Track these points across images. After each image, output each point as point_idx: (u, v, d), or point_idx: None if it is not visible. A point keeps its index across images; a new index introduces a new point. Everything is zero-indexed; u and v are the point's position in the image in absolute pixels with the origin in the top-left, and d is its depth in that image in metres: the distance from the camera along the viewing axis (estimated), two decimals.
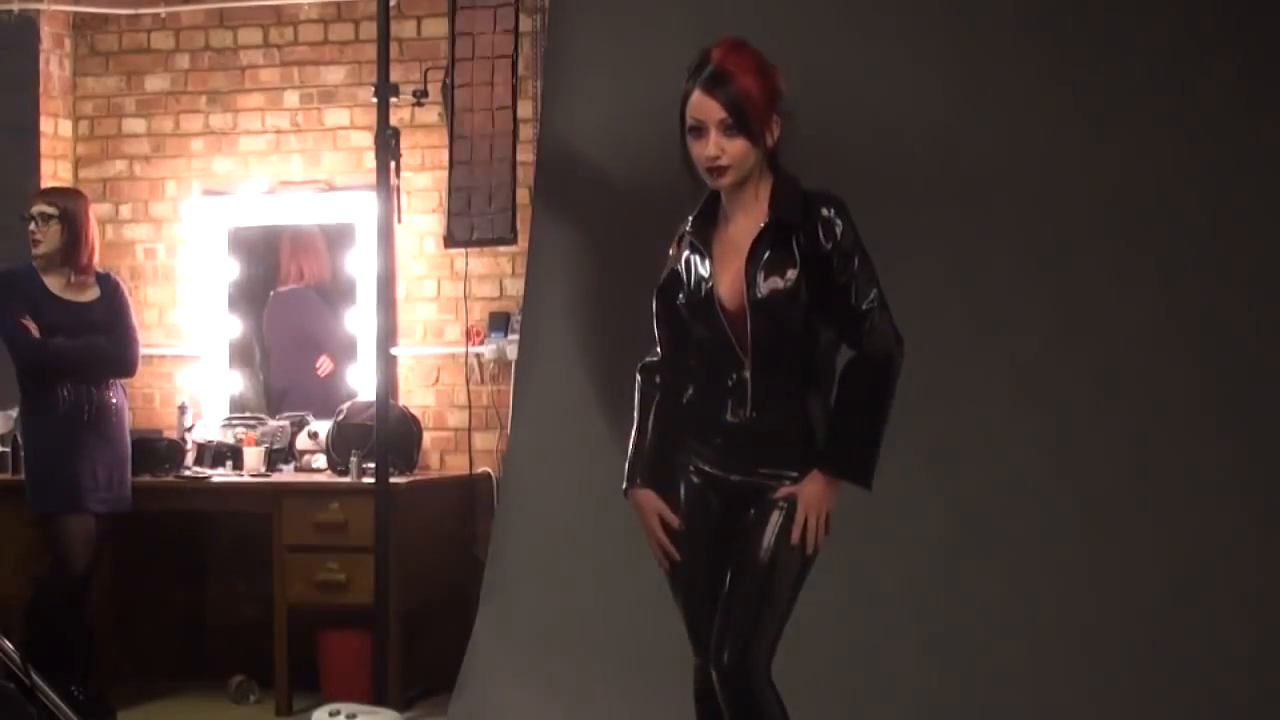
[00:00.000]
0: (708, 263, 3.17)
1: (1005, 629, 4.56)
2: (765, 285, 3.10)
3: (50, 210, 5.30)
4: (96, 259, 5.42)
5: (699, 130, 3.13)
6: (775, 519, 3.10)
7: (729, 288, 3.15)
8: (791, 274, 3.09)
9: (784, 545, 3.08)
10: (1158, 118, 4.67)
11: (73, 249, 5.30)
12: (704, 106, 3.11)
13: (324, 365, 6.22)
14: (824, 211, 3.10)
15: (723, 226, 3.21)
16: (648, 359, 3.34)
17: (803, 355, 3.13)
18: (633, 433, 3.31)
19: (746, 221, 3.17)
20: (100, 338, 5.28)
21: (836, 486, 3.10)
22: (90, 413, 5.23)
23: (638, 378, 3.34)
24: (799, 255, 3.09)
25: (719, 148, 3.09)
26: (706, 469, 3.19)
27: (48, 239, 5.29)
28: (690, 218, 3.27)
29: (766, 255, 3.11)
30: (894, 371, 3.12)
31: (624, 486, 3.29)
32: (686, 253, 3.24)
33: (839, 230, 3.07)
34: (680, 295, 3.23)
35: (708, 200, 3.24)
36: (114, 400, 5.32)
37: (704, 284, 3.17)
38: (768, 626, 3.08)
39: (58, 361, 5.20)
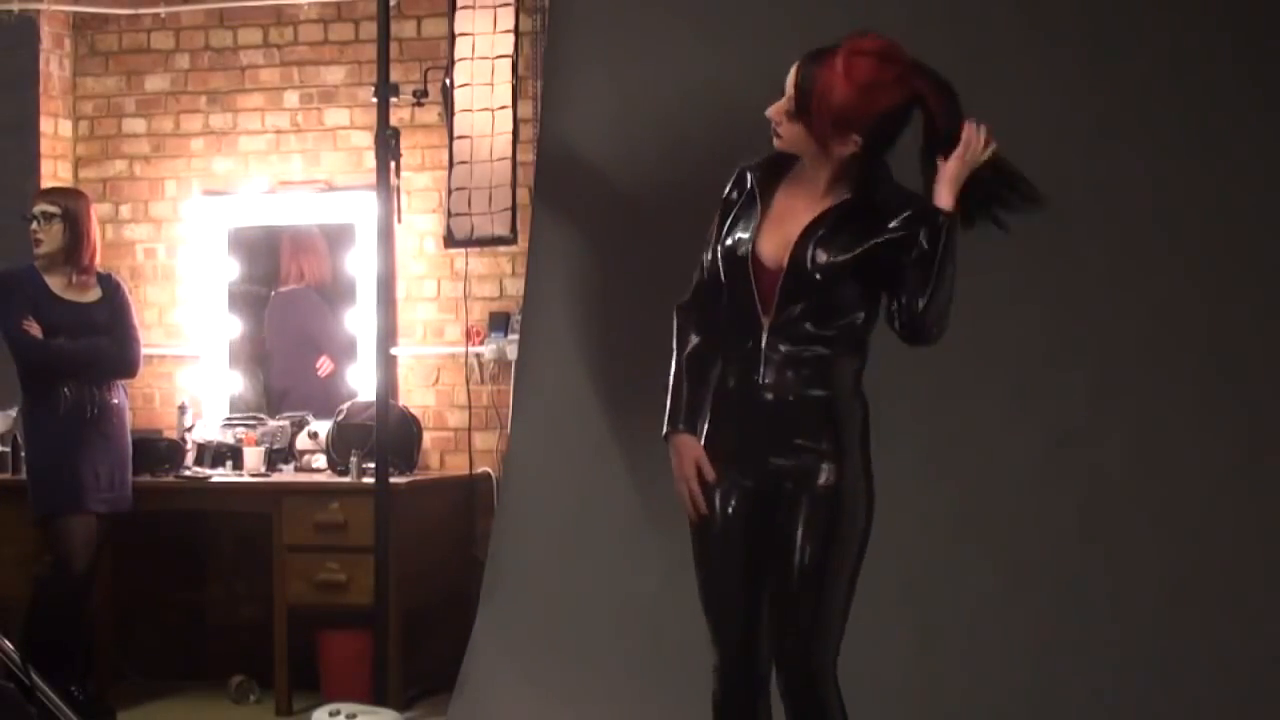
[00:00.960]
0: (758, 211, 3.13)
1: (1005, 628, 4.56)
2: (820, 252, 3.05)
3: (53, 210, 5.29)
4: (98, 259, 5.43)
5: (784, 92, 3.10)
6: (814, 509, 3.06)
7: (774, 244, 3.10)
8: (851, 253, 3.04)
9: (830, 535, 3.05)
10: (1158, 116, 4.67)
11: (75, 249, 5.30)
12: (790, 78, 3.08)
13: (324, 365, 6.22)
14: (914, 212, 3.04)
15: (793, 180, 3.15)
16: (684, 299, 3.29)
17: (832, 326, 3.08)
18: (670, 375, 3.24)
19: (814, 191, 3.12)
20: (103, 338, 5.28)
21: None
22: (92, 413, 5.23)
23: (675, 318, 3.28)
24: (867, 238, 3.05)
25: (779, 117, 3.08)
26: (734, 466, 3.15)
27: (50, 239, 5.29)
28: (758, 161, 3.20)
29: (833, 226, 3.06)
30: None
31: (664, 431, 3.21)
32: (738, 194, 3.19)
33: (929, 240, 3.01)
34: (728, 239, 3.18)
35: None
36: (115, 400, 5.32)
37: (747, 231, 3.12)
38: (829, 623, 3.07)
39: (60, 362, 5.20)
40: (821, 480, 3.07)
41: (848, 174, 3.09)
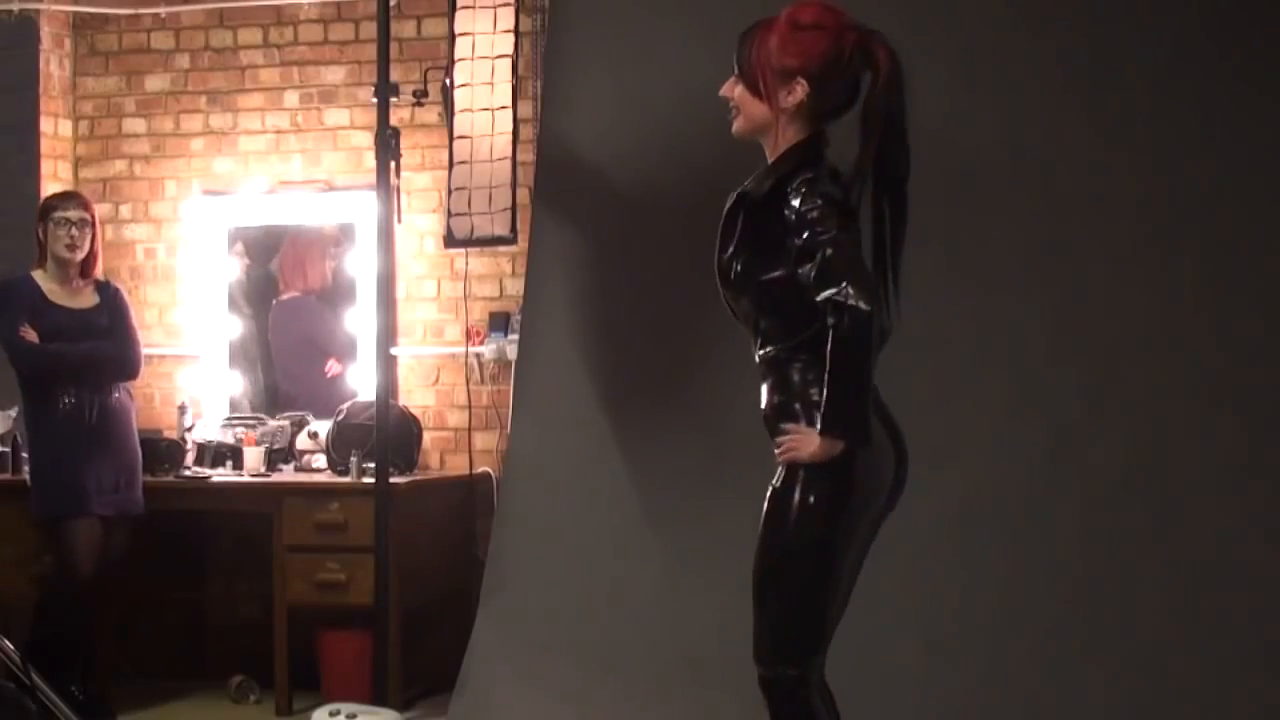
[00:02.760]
0: (726, 225, 3.10)
1: (1005, 629, 4.56)
2: (728, 257, 3.03)
3: (88, 217, 5.34)
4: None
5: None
6: (765, 513, 2.99)
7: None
8: (749, 246, 3.00)
9: (767, 540, 2.97)
10: (1157, 115, 4.67)
11: (93, 255, 5.37)
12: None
13: (331, 369, 6.21)
14: (793, 181, 2.95)
15: None
16: None
17: (778, 324, 3.00)
18: None
19: None
20: (103, 341, 5.29)
21: (825, 442, 2.88)
22: (92, 417, 5.23)
23: None
24: (762, 228, 2.98)
25: (729, 88, 3.08)
26: None
27: (85, 245, 5.32)
28: None
29: (737, 226, 3.03)
30: (846, 318, 2.83)
31: None
32: None
33: (797, 197, 2.92)
34: None
35: None
36: (117, 404, 5.33)
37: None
38: (771, 629, 2.99)
39: (59, 366, 5.21)
40: (774, 483, 2.98)
41: (792, 145, 3.03)
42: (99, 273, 5.44)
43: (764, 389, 3.06)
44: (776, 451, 2.98)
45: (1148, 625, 4.48)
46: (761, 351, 3.05)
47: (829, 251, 2.87)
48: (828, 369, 2.87)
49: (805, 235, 2.90)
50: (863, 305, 2.83)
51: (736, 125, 3.10)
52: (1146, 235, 4.66)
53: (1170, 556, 4.51)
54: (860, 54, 3.00)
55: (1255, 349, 4.57)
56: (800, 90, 3.00)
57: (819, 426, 2.90)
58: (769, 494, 2.99)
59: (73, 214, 5.30)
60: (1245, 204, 4.63)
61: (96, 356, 5.27)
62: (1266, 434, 4.54)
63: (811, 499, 2.92)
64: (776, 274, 2.97)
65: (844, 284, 2.84)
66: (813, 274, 2.89)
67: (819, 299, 2.87)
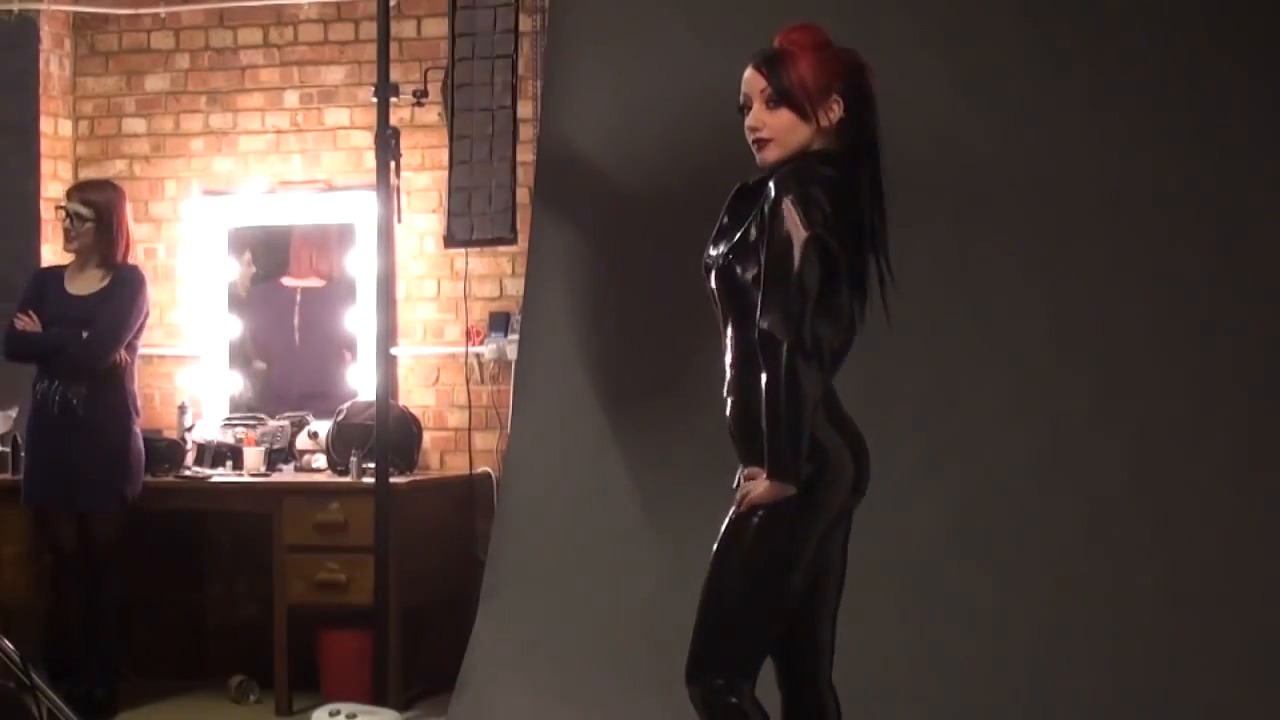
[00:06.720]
0: (723, 220, 3.09)
1: (1005, 629, 4.57)
2: (714, 251, 3.03)
3: (85, 212, 5.28)
4: (130, 254, 5.42)
5: (745, 106, 3.04)
6: (725, 525, 2.98)
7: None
8: (727, 244, 2.99)
9: (729, 551, 2.96)
10: (1158, 117, 4.68)
11: (107, 247, 5.31)
12: (749, 80, 3.03)
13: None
14: (771, 189, 2.92)
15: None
16: None
17: (745, 337, 2.95)
18: None
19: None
20: (70, 331, 5.21)
21: (774, 486, 2.88)
22: (55, 408, 5.20)
23: None
24: (746, 228, 2.97)
25: (759, 120, 3.00)
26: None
27: (82, 238, 5.30)
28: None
29: (726, 220, 3.05)
30: (775, 361, 2.83)
31: None
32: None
33: (775, 211, 2.88)
34: None
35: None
36: (91, 395, 5.21)
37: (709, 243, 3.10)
38: (715, 637, 2.99)
39: (22, 351, 5.25)
40: (734, 507, 2.97)
41: (810, 151, 3.00)
42: (119, 260, 5.34)
43: (731, 397, 3.02)
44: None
45: (1147, 625, 4.48)
46: (727, 355, 3.02)
47: (783, 272, 2.84)
48: (765, 404, 2.86)
49: (770, 244, 2.87)
50: (790, 345, 2.82)
51: (769, 155, 3.01)
52: (1147, 236, 4.66)
53: (1170, 557, 4.51)
54: (860, 69, 3.04)
55: (1255, 349, 4.58)
56: (837, 107, 3.00)
57: (765, 469, 2.89)
58: (729, 515, 2.97)
59: (69, 205, 5.30)
60: (1245, 205, 4.63)
61: (54, 347, 5.22)
62: (1267, 434, 4.54)
63: (769, 523, 2.92)
64: (751, 275, 2.94)
65: (777, 315, 2.84)
66: (760, 291, 2.87)
67: (757, 327, 2.86)
